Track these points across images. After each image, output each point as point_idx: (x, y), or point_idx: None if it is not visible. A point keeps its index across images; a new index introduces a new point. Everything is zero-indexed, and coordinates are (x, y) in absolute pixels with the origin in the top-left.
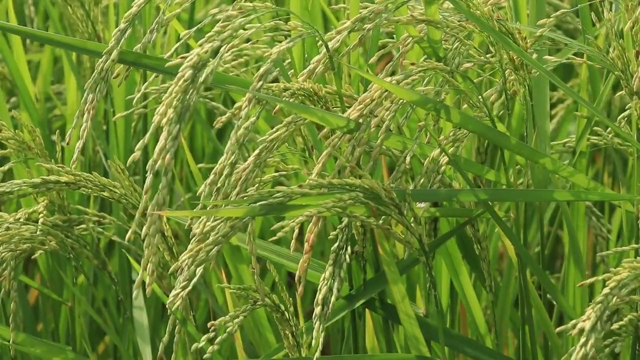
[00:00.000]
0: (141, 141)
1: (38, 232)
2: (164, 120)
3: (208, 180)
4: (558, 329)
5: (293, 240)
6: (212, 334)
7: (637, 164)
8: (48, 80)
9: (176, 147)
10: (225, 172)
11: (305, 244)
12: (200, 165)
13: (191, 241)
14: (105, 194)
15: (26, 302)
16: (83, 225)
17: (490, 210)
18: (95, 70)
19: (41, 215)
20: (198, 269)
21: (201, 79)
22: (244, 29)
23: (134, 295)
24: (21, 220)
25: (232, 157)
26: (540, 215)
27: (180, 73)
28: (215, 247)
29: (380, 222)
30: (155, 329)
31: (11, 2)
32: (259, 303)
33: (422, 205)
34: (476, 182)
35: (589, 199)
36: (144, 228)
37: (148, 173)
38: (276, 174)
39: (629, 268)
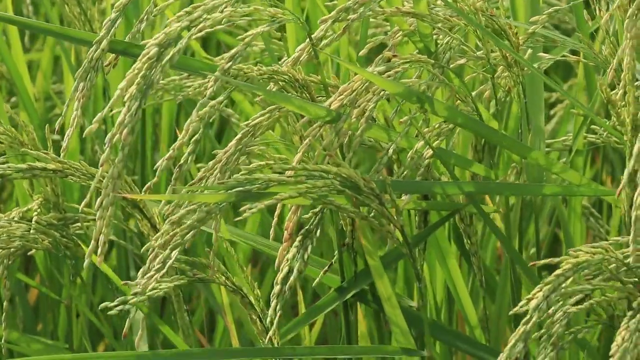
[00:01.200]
0: (99, 114)
1: (31, 231)
2: (126, 96)
3: (166, 156)
4: (511, 311)
5: (272, 228)
6: (131, 297)
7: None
8: (48, 79)
9: (135, 122)
10: (188, 150)
11: (285, 232)
12: (200, 165)
13: (165, 223)
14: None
15: (26, 302)
16: (79, 224)
17: (475, 205)
18: (86, 60)
19: (35, 213)
20: (173, 252)
21: (167, 57)
22: (220, 11)
23: (84, 264)
24: (15, 218)
25: (195, 135)
26: (536, 215)
27: (145, 50)
28: (191, 232)
29: (371, 215)
30: (155, 328)
31: (10, 1)
32: (199, 276)
33: (406, 197)
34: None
35: (579, 193)
36: (97, 200)
37: (105, 146)
38: (262, 162)
39: (590, 253)
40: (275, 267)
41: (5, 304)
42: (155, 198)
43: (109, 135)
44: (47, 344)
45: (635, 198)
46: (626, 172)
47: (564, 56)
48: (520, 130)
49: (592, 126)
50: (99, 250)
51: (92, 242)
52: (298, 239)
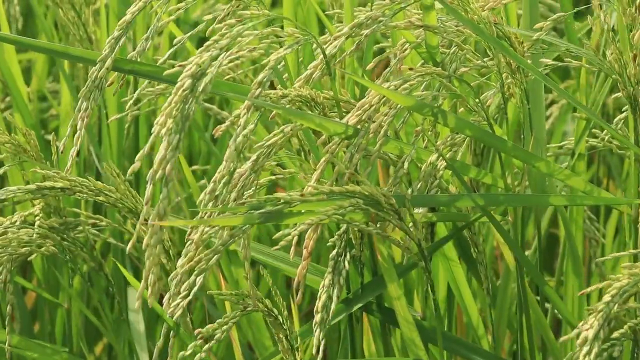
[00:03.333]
0: (141, 151)
1: (35, 236)
2: (164, 130)
3: (208, 189)
4: (562, 339)
5: (292, 247)
6: (199, 341)
7: (634, 166)
8: (43, 79)
9: (177, 157)
10: (223, 181)
11: (304, 251)
12: (195, 167)
13: (185, 246)
14: (101, 198)
15: (24, 304)
16: (79, 228)
17: (489, 216)
18: (89, 79)
19: (37, 218)
20: (198, 278)
21: (200, 88)
22: (242, 37)
23: (135, 306)
24: (17, 223)
25: (232, 165)
26: (537, 220)
27: (179, 83)
28: (215, 256)
29: (377, 226)
30: (151, 330)
31: (1, 2)
32: (249, 308)
33: (420, 210)
34: (472, 185)
35: (585, 203)
36: (145, 239)
37: (148, 183)
38: (272, 177)
39: (629, 274)
40: (294, 286)
41: (8, 308)
42: (179, 224)
43: (151, 171)
44: (46, 346)
45: None
46: None
47: (567, 61)
48: (522, 136)
49: (592, 130)
50: (149, 290)
51: (142, 282)
52: (330, 264)
